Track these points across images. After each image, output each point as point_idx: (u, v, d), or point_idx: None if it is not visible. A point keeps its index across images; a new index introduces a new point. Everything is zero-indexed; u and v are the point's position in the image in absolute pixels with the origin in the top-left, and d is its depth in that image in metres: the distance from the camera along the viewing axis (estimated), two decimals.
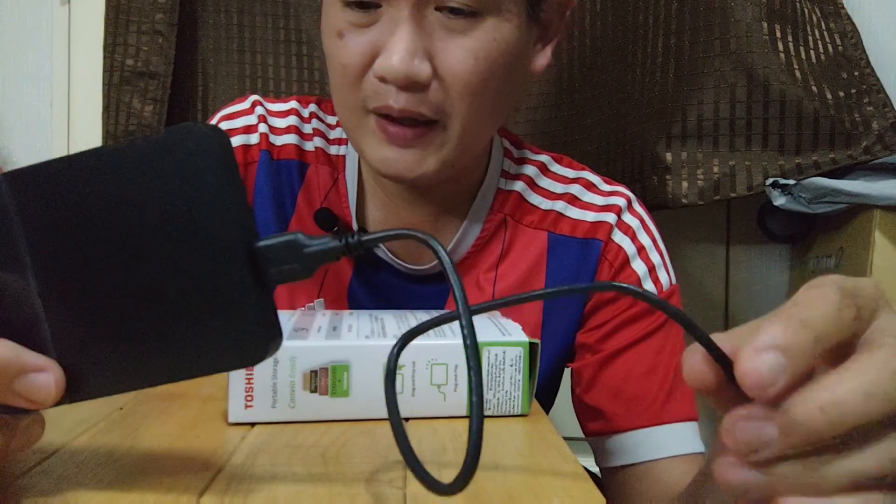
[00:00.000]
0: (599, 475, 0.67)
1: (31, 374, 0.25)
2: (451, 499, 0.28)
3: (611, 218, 0.62)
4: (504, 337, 0.39)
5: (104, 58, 1.16)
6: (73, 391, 0.26)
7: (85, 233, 0.25)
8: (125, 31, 1.15)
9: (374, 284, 0.62)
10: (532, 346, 0.39)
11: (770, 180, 0.93)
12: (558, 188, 0.63)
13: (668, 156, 0.97)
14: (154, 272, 0.25)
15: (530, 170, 0.64)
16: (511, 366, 0.39)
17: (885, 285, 0.87)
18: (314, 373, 0.37)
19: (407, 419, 0.39)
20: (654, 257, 0.62)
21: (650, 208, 1.01)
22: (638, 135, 1.01)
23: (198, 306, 0.25)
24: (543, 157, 0.65)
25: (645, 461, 0.57)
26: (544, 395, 0.65)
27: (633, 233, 0.62)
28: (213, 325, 0.25)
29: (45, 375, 0.25)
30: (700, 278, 1.18)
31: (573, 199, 0.63)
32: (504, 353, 0.39)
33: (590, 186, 0.64)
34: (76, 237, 0.25)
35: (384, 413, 0.38)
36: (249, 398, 0.37)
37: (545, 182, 0.64)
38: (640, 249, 0.62)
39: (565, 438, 0.36)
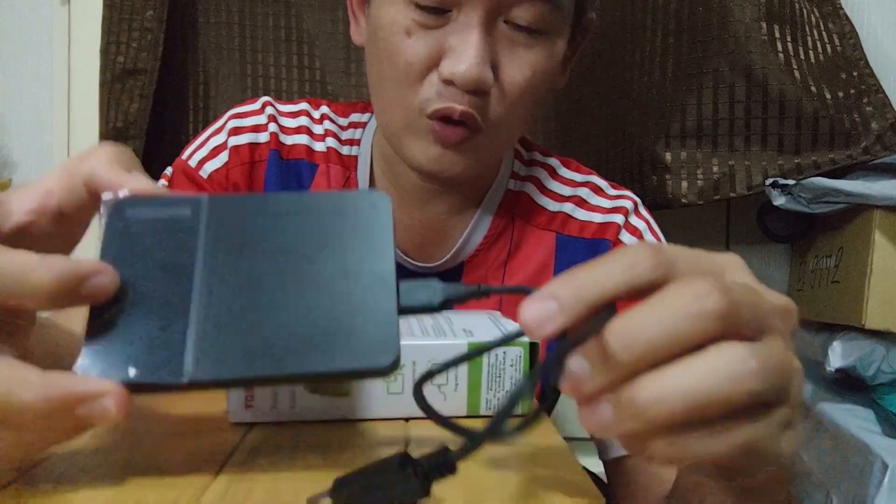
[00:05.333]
0: (599, 475, 0.67)
1: (96, 400, 0.25)
2: (451, 499, 0.28)
3: (619, 219, 0.63)
4: (505, 337, 0.39)
5: (101, 56, 1.15)
6: (200, 372, 0.26)
7: (262, 244, 0.29)
8: (118, 30, 1.15)
9: None
10: (532, 346, 0.39)
11: (770, 180, 0.93)
12: (566, 191, 0.65)
13: (668, 156, 0.98)
14: (315, 283, 0.28)
15: (539, 172, 0.66)
16: (511, 366, 0.39)
17: (885, 285, 0.88)
18: None
19: (407, 419, 0.39)
20: None
21: (650, 208, 1.01)
22: (637, 135, 1.01)
23: (345, 312, 0.28)
24: (552, 161, 0.67)
25: None
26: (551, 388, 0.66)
27: (640, 234, 0.64)
28: (353, 329, 0.27)
29: (107, 400, 0.25)
30: None
31: (581, 202, 0.64)
32: (504, 353, 0.39)
33: (597, 190, 0.65)
34: (253, 245, 0.29)
35: (384, 413, 0.38)
36: (250, 398, 0.37)
37: (553, 185, 0.65)
38: None
39: (565, 438, 0.37)
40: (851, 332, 0.92)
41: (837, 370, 0.89)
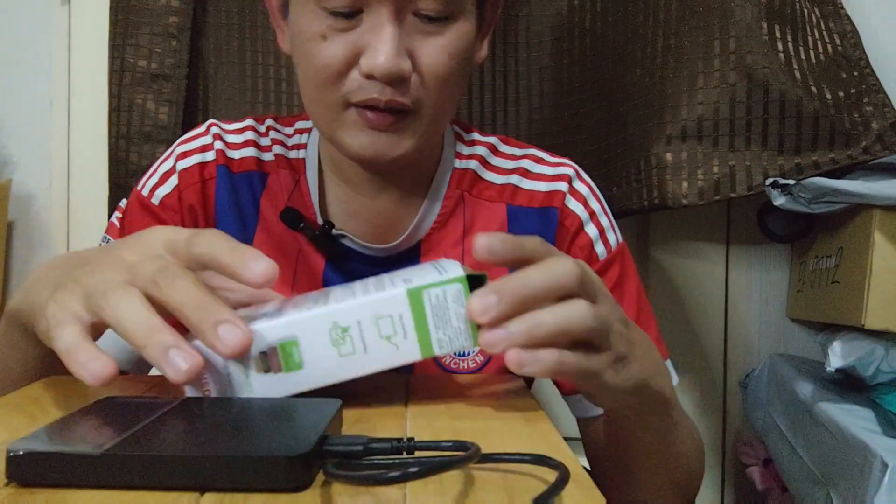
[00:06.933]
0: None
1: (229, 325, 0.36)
2: (451, 497, 0.28)
3: (563, 186, 0.68)
4: (442, 276, 0.40)
5: (112, 58, 1.14)
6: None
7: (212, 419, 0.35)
8: (136, 32, 1.13)
9: (346, 273, 0.66)
10: (473, 279, 0.40)
11: (770, 180, 0.93)
12: (509, 164, 0.69)
13: (668, 156, 0.97)
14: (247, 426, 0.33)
15: (481, 150, 0.70)
16: (454, 301, 0.39)
17: (885, 285, 0.88)
18: (264, 354, 0.38)
19: (367, 376, 0.39)
20: (604, 221, 0.68)
21: (650, 208, 1.01)
22: (638, 135, 1.01)
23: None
24: (492, 139, 0.71)
25: None
26: None
27: (584, 199, 0.68)
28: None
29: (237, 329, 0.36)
30: (700, 278, 1.18)
31: (525, 173, 0.69)
32: (444, 291, 0.39)
33: (538, 160, 0.70)
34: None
35: (342, 376, 0.40)
36: (207, 392, 0.38)
37: (496, 160, 0.70)
38: (592, 214, 0.68)
39: (565, 438, 0.37)
40: (851, 332, 0.91)
41: (837, 370, 0.88)
